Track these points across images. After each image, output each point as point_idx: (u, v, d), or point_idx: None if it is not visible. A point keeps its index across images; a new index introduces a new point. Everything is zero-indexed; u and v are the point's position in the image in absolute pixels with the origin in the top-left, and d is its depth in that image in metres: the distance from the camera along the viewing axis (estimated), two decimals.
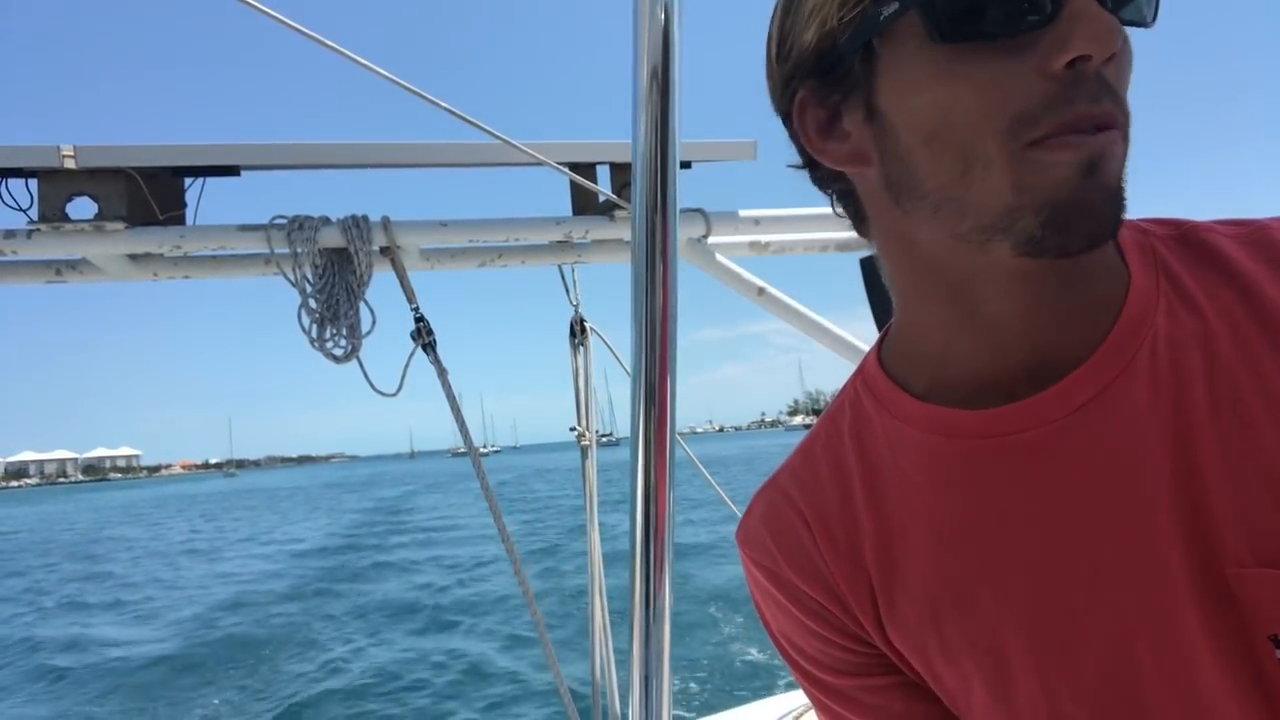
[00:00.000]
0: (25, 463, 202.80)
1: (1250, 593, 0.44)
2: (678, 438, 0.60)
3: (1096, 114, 0.44)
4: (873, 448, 0.60)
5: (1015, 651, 0.52)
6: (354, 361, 1.76)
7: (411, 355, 1.79)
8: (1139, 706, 0.48)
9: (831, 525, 0.60)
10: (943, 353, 0.55)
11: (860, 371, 0.64)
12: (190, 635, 10.68)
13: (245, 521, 32.07)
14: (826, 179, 0.58)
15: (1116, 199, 0.45)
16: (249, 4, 1.31)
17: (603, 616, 2.34)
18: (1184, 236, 0.54)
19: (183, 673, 8.85)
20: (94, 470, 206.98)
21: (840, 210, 0.60)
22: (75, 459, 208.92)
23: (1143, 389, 0.49)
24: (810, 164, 0.58)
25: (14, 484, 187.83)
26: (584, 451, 2.32)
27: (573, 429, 2.35)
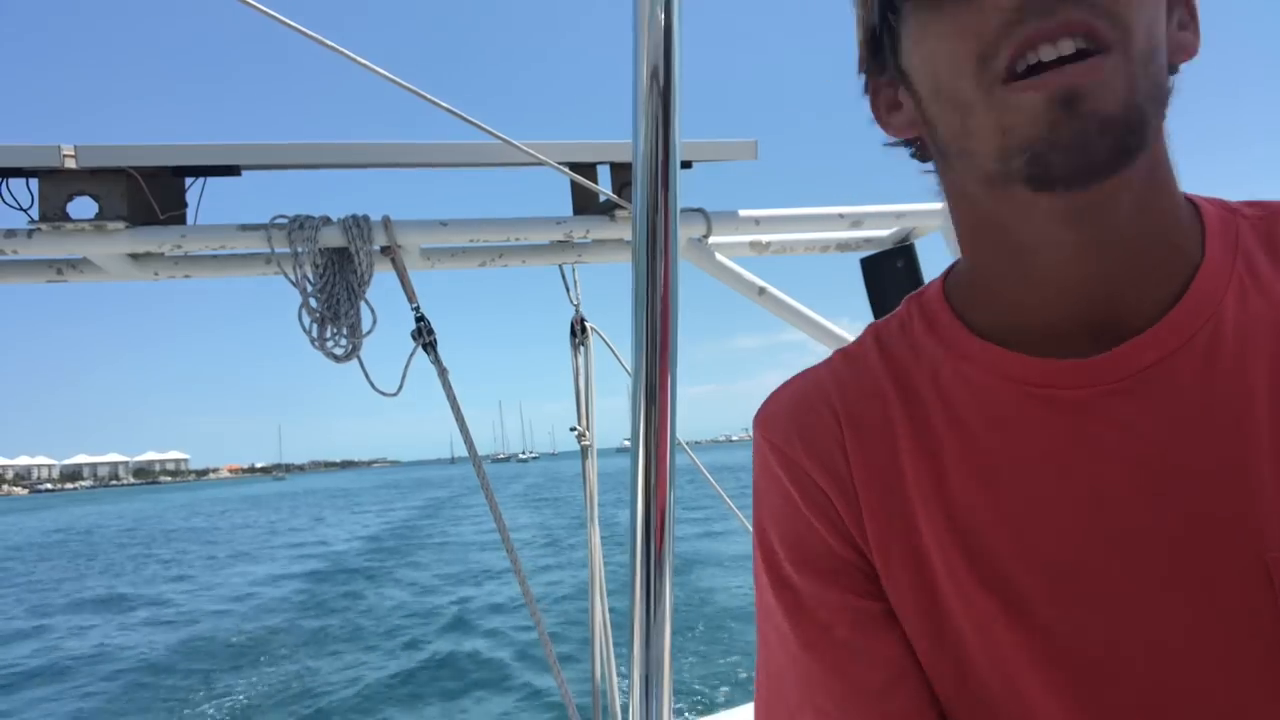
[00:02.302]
0: (80, 465, 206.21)
1: None
2: (677, 439, 0.60)
3: (1051, 28, 0.43)
4: (917, 375, 0.59)
5: (1035, 599, 0.51)
6: (355, 361, 1.76)
7: (412, 355, 1.79)
8: (1161, 671, 0.48)
9: (864, 430, 0.59)
10: (1004, 301, 0.56)
11: (919, 297, 0.63)
12: (317, 578, 16.38)
13: (321, 515, 37.65)
14: (917, 153, 0.61)
15: (1114, 125, 0.44)
16: (249, 4, 1.31)
17: (603, 616, 2.34)
18: (1270, 221, 0.54)
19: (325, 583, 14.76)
20: (144, 473, 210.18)
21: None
22: (127, 462, 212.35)
23: (1198, 367, 0.49)
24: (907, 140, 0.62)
25: (69, 486, 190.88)
26: (584, 451, 2.32)
27: (573, 429, 2.35)
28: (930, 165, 0.60)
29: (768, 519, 0.63)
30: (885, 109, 0.59)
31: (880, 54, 0.57)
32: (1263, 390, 0.48)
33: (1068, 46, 0.44)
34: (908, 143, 0.62)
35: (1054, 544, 0.51)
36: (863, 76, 0.61)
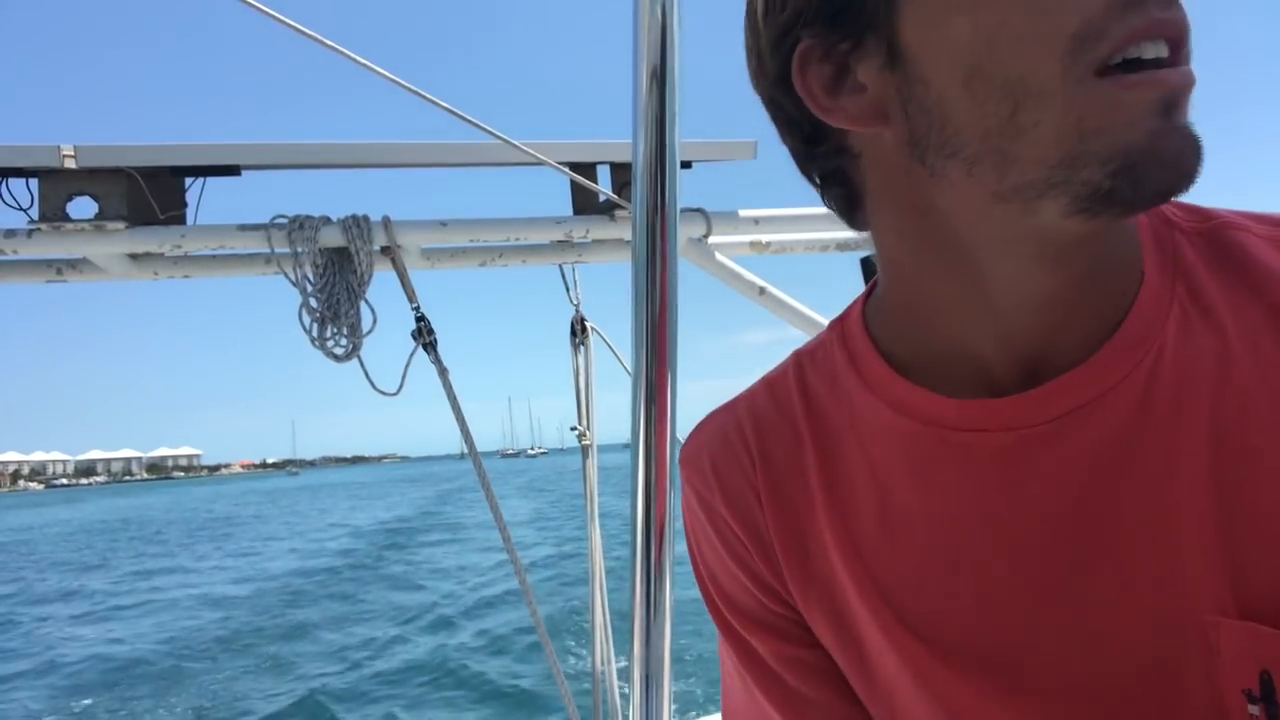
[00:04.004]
0: (94, 461, 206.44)
1: (1228, 644, 0.41)
2: (677, 439, 0.60)
3: (1170, 21, 0.37)
4: (835, 413, 0.56)
5: (960, 654, 0.48)
6: (355, 360, 1.76)
7: (412, 355, 1.79)
8: None
9: (777, 473, 0.57)
10: (938, 333, 0.50)
11: (842, 321, 0.58)
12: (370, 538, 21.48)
13: (348, 504, 41.68)
14: (822, 156, 0.51)
15: (1199, 144, 0.38)
16: (249, 4, 1.31)
17: (603, 616, 2.33)
18: (1213, 234, 0.48)
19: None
20: (157, 469, 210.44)
21: (830, 200, 0.53)
22: (140, 458, 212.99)
23: (1131, 410, 0.44)
24: (808, 139, 0.51)
25: (84, 481, 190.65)
26: (584, 451, 2.32)
27: (573, 429, 2.35)
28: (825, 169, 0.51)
29: (703, 566, 0.62)
30: (824, 89, 0.46)
31: (849, 12, 0.43)
32: (1201, 438, 0.42)
33: (1163, 49, 0.38)
34: (812, 153, 0.51)
35: (973, 601, 0.47)
36: (785, 40, 0.47)
